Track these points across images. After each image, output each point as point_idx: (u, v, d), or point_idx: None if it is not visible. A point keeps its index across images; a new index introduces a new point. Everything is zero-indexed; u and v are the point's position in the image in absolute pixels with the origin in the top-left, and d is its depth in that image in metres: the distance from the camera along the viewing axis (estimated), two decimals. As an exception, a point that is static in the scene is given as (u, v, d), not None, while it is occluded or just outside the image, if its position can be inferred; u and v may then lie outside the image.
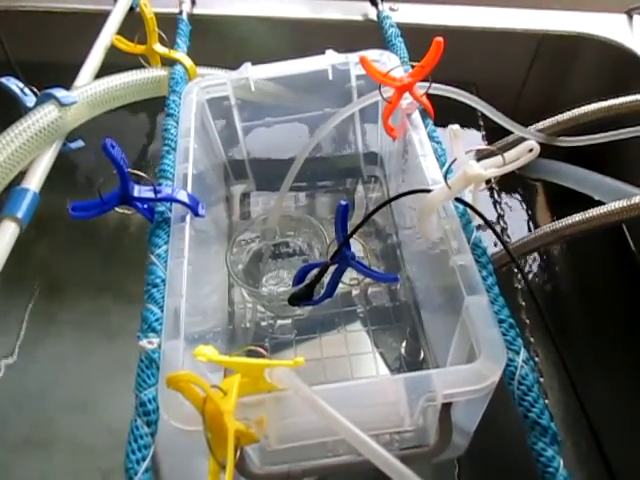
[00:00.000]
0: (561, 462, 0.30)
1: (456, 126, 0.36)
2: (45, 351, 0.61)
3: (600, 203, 0.50)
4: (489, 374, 0.31)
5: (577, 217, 0.50)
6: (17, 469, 0.54)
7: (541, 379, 0.53)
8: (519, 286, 0.59)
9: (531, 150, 0.37)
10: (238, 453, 0.30)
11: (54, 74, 0.52)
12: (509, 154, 0.38)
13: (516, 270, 0.59)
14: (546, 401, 0.32)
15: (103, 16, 0.62)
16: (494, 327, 0.34)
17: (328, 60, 0.54)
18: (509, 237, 0.64)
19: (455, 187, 0.39)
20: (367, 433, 0.28)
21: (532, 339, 0.56)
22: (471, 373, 0.32)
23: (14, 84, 0.51)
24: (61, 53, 0.66)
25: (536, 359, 0.55)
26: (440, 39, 0.44)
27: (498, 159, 0.39)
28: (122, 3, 0.65)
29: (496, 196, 0.69)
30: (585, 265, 0.70)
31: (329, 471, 0.37)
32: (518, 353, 0.33)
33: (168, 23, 0.63)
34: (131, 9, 0.66)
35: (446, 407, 0.34)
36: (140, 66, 0.59)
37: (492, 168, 0.38)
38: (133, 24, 0.61)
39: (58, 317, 0.64)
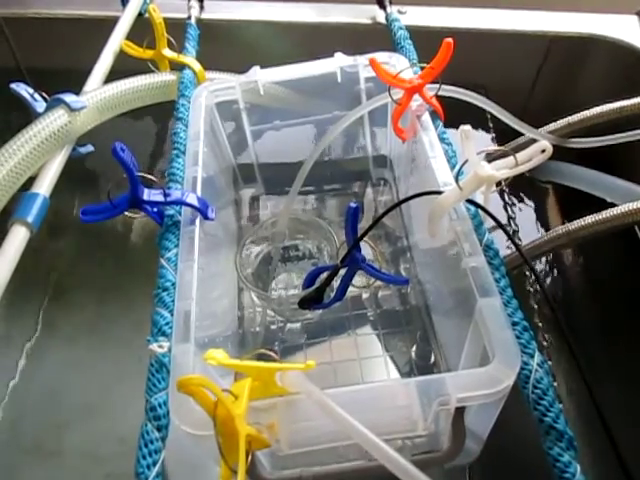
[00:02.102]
0: (578, 468, 0.29)
1: (468, 127, 0.36)
2: (54, 356, 0.61)
3: (611, 205, 0.50)
4: (503, 378, 0.31)
5: (590, 219, 0.50)
6: (25, 475, 0.54)
7: (554, 383, 0.52)
8: (530, 289, 0.59)
9: (544, 151, 0.37)
10: (249, 458, 0.29)
11: (63, 80, 0.52)
12: (521, 155, 0.38)
13: (529, 272, 0.59)
14: (560, 405, 0.32)
15: (112, 22, 0.63)
16: (508, 329, 0.33)
17: (337, 63, 0.54)
18: (520, 240, 0.63)
19: (467, 188, 0.38)
20: (380, 438, 0.28)
21: (545, 342, 0.55)
22: (485, 376, 0.31)
23: (24, 90, 0.51)
24: (70, 59, 0.66)
25: (549, 362, 0.54)
26: (450, 40, 0.43)
27: (510, 160, 0.38)
28: (131, 9, 0.65)
29: (506, 199, 0.68)
30: (596, 267, 0.70)
31: (341, 476, 0.36)
32: (532, 356, 0.33)
33: (177, 28, 0.63)
34: (140, 14, 0.66)
35: (459, 411, 0.33)
36: (149, 71, 0.60)
37: (504, 169, 0.38)
38: (142, 29, 0.61)
39: (68, 321, 0.64)
